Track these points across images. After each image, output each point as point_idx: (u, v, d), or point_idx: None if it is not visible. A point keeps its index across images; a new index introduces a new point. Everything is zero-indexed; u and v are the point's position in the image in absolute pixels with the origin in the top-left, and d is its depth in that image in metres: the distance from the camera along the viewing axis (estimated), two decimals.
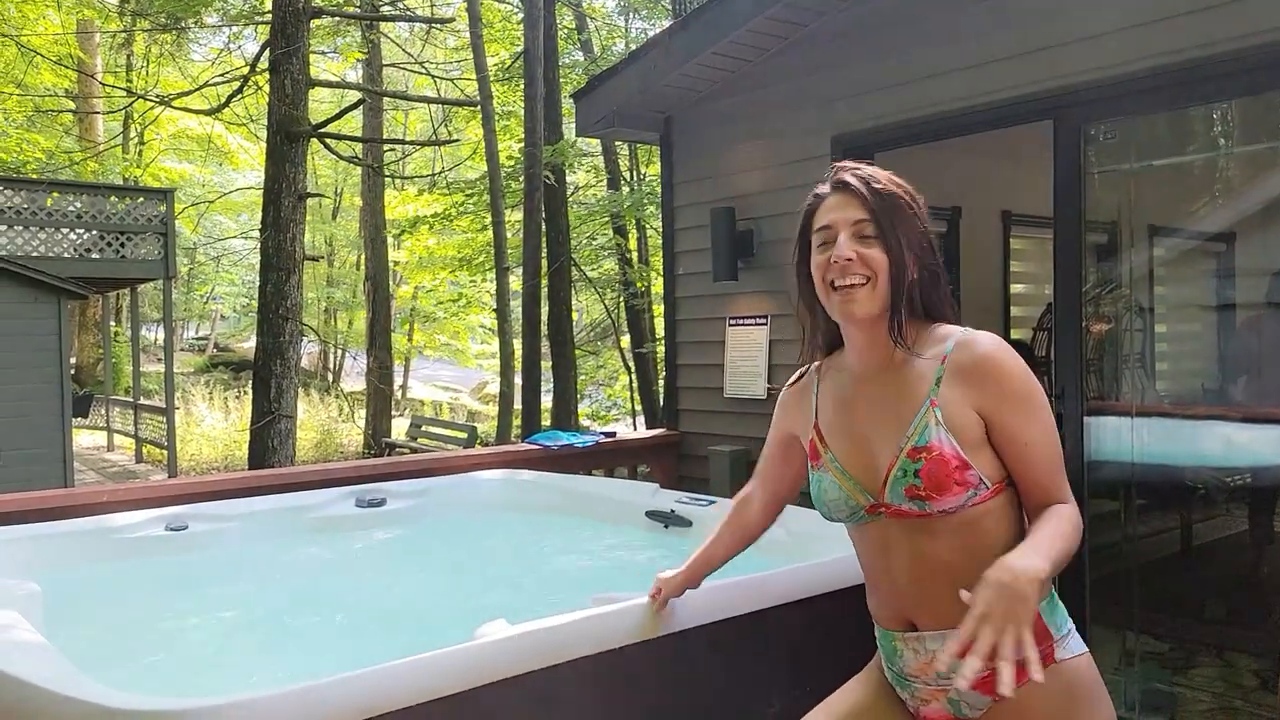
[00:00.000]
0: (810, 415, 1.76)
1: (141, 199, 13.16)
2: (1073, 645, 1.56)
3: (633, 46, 14.29)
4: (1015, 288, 6.39)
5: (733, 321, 5.03)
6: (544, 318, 11.58)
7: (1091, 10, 3.45)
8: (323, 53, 17.47)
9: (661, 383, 8.05)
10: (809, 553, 2.68)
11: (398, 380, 23.25)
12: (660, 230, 5.95)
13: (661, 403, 6.59)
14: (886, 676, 1.73)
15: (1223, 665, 3.70)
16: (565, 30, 15.09)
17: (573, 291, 13.57)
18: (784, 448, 1.89)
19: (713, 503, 3.70)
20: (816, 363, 1.80)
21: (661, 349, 7.91)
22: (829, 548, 2.50)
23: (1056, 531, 1.48)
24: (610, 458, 5.17)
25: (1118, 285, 4.06)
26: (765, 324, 4.86)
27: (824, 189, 1.68)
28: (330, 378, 25.85)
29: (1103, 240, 3.94)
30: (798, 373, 1.86)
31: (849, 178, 1.64)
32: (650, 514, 3.79)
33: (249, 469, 9.12)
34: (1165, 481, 4.07)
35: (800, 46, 4.60)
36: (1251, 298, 4.33)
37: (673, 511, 3.73)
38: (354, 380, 24.75)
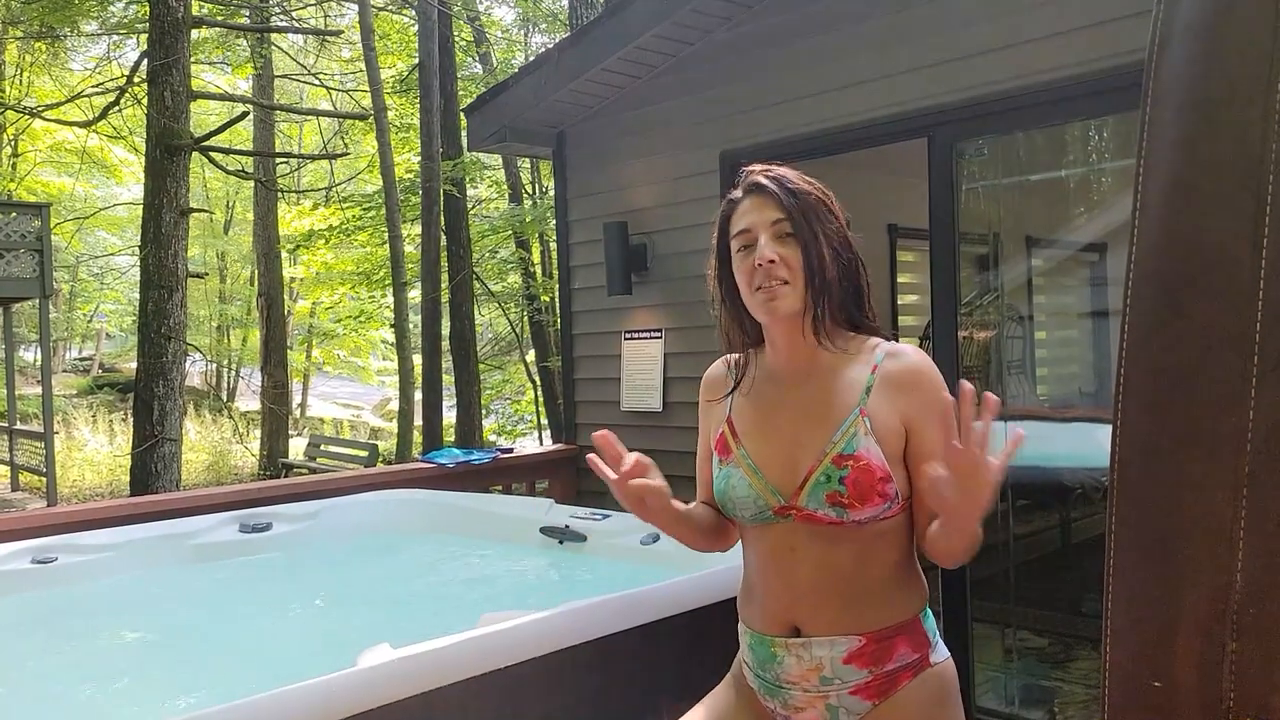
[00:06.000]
0: (724, 410, 1.73)
1: (14, 214, 12.46)
2: (941, 650, 1.64)
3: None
4: (903, 299, 6.57)
5: (628, 335, 5.05)
6: (446, 332, 11.41)
7: (961, 33, 3.60)
8: (211, 63, 16.90)
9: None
10: (701, 562, 2.70)
11: (296, 398, 22.57)
12: None
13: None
14: (752, 685, 1.72)
15: (1099, 658, 3.87)
16: (464, 43, 14.95)
17: (476, 306, 13.41)
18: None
19: (608, 516, 3.70)
20: (736, 358, 1.77)
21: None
22: (717, 557, 2.52)
23: None
24: (508, 474, 5.12)
25: (998, 295, 4.22)
26: (660, 337, 4.89)
27: (737, 193, 1.67)
28: (224, 397, 24.95)
29: (982, 251, 4.10)
30: (715, 366, 1.81)
31: (762, 179, 1.63)
32: (544, 530, 3.77)
33: (130, 495, 8.73)
34: (1044, 482, 4.24)
35: (688, 64, 4.67)
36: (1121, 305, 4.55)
37: (567, 527, 3.72)
38: (249, 399, 23.91)
